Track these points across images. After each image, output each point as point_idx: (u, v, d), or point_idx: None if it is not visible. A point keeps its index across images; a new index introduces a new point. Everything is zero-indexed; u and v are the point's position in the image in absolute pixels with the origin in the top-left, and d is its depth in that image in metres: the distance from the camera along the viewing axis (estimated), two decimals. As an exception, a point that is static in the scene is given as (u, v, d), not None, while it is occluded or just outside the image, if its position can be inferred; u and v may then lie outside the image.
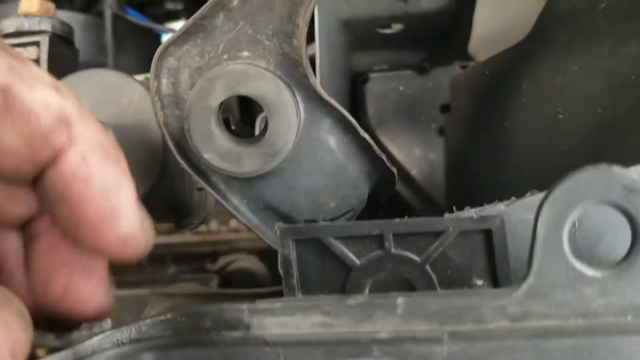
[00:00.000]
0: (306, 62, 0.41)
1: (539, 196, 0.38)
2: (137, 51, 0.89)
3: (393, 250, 0.38)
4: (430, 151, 0.79)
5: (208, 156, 0.42)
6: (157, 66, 0.42)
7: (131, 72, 0.90)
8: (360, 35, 0.72)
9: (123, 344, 0.34)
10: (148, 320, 0.34)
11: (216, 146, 0.41)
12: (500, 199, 0.57)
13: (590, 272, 0.29)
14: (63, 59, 0.53)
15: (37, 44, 0.51)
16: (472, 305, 0.31)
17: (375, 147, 0.45)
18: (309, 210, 0.46)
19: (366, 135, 0.44)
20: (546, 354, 0.30)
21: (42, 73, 0.29)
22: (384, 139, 0.82)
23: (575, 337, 0.29)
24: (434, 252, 0.38)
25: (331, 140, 0.44)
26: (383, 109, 0.81)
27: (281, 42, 0.41)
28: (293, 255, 0.39)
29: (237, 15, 0.41)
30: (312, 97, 0.42)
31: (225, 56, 0.42)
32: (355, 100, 0.84)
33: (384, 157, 0.46)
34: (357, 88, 0.83)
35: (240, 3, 0.40)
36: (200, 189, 0.59)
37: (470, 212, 0.39)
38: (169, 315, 0.34)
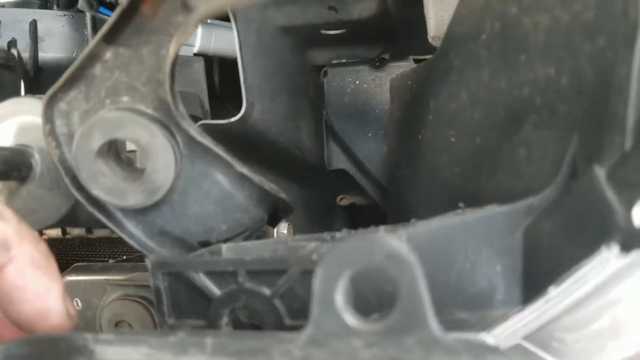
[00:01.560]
0: (179, 108, 0.45)
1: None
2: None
3: (246, 285, 0.42)
4: (384, 144, 0.81)
5: (96, 192, 0.46)
6: (48, 110, 0.46)
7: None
8: (306, 36, 0.74)
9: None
10: (17, 342, 0.40)
11: (101, 184, 0.46)
12: (415, 211, 0.60)
13: (358, 326, 0.33)
14: (3, 84, 0.59)
15: (-24, 71, 0.57)
16: (264, 347, 0.34)
17: (256, 179, 0.48)
18: (200, 233, 0.50)
19: (244, 170, 0.47)
20: None
21: None
22: (341, 131, 0.84)
23: None
24: (281, 287, 0.42)
25: (214, 173, 0.48)
26: (341, 101, 0.84)
27: (156, 88, 0.45)
28: (163, 285, 0.44)
29: (112, 66, 0.44)
30: (191, 137, 0.46)
31: (107, 100, 0.46)
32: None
33: (267, 187, 0.49)
34: (318, 80, 0.85)
35: (113, 56, 0.44)
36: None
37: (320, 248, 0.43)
38: (35, 340, 0.39)
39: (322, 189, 0.92)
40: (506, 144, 0.45)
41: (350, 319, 0.33)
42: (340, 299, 0.33)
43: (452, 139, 0.52)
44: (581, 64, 0.37)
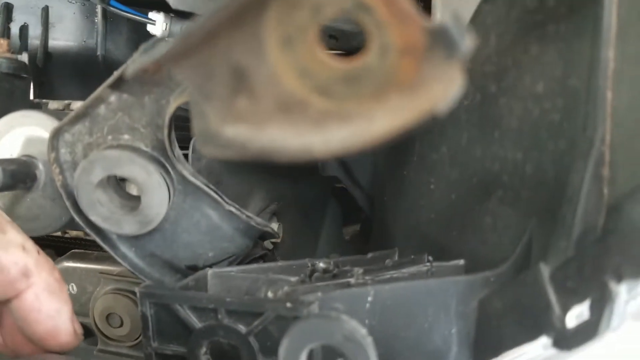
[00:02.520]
0: (176, 150, 0.48)
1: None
2: (127, 37, 0.96)
3: (225, 321, 0.46)
4: (373, 160, 0.84)
5: (94, 218, 0.50)
6: (54, 140, 0.50)
7: (120, 56, 0.97)
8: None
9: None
10: None
11: (99, 212, 0.50)
12: (393, 237, 0.64)
13: None
14: (13, 92, 0.62)
15: (-12, 80, 0.60)
16: None
17: (243, 216, 0.52)
18: (189, 259, 0.54)
19: (232, 208, 0.51)
20: None
21: (15, 237, 0.44)
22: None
23: None
24: (256, 327, 0.46)
25: (204, 207, 0.52)
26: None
27: (154, 131, 0.48)
28: (150, 312, 0.48)
29: (116, 108, 0.48)
30: (184, 177, 0.50)
31: (109, 137, 0.49)
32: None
33: (253, 222, 0.53)
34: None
35: (117, 100, 0.47)
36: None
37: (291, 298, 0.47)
38: None
39: (315, 190, 0.96)
40: (476, 209, 0.48)
41: None
42: None
43: (432, 186, 0.55)
44: (544, 160, 0.40)
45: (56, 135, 0.49)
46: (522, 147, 0.43)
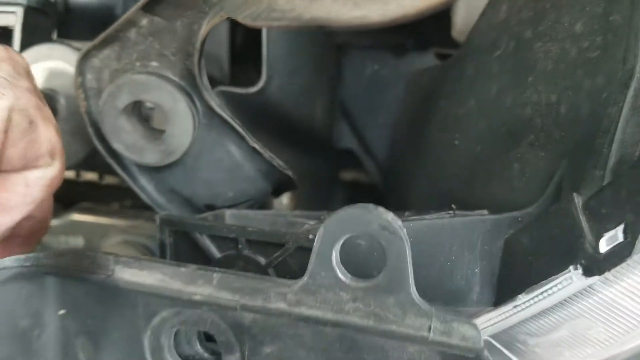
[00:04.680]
0: (204, 79, 0.48)
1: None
2: None
3: (244, 252, 0.46)
4: (392, 132, 0.84)
5: (116, 146, 0.50)
6: (81, 65, 0.49)
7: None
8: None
9: (27, 266, 0.43)
10: (47, 253, 0.44)
11: (123, 139, 0.49)
12: (409, 203, 0.63)
13: (348, 282, 0.37)
14: (36, 28, 0.61)
15: (14, 13, 0.59)
16: (263, 288, 0.39)
17: (266, 154, 0.52)
18: (207, 197, 0.54)
19: (256, 145, 0.51)
20: (307, 336, 0.38)
21: (52, 115, 0.42)
22: (354, 112, 0.87)
23: (329, 326, 0.37)
24: (276, 259, 0.45)
25: (228, 143, 0.51)
26: (358, 83, 0.86)
27: (184, 59, 0.48)
28: (169, 240, 0.48)
29: (147, 32, 0.47)
30: (210, 108, 0.49)
31: (137, 63, 0.48)
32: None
33: (275, 163, 0.52)
34: (337, 59, 0.87)
35: (148, 24, 0.47)
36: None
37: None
38: (63, 252, 0.43)
39: (327, 164, 0.95)
40: (503, 157, 0.48)
41: (342, 275, 0.37)
42: (335, 256, 0.37)
43: (456, 142, 0.55)
44: (580, 98, 0.40)
45: (84, 59, 0.49)
46: (557, 88, 0.42)
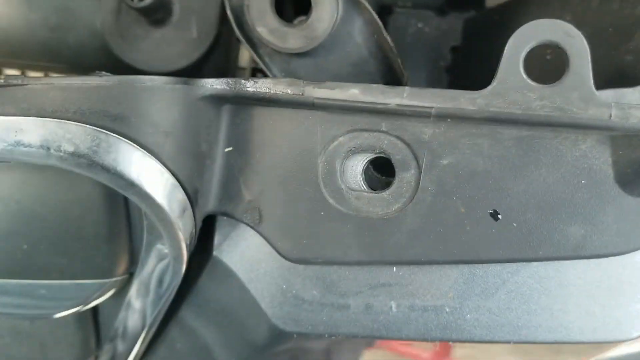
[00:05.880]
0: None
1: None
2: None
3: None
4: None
5: (260, 30, 0.51)
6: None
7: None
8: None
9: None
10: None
11: (268, 22, 0.51)
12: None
13: (534, 84, 0.41)
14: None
15: None
16: (453, 95, 0.42)
17: (393, 49, 0.55)
18: (331, 92, 0.56)
19: (388, 38, 0.54)
20: (485, 144, 0.42)
21: None
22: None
23: (518, 125, 0.41)
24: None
25: (359, 37, 0.54)
26: (401, 41, 0.91)
27: (333, -51, 0.51)
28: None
29: None
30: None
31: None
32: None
33: (399, 60, 0.56)
34: (382, 19, 0.92)
35: None
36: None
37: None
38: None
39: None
40: (613, 54, 0.53)
41: (526, 76, 0.41)
42: (523, 62, 0.41)
43: (547, 57, 0.60)
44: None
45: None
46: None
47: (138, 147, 0.42)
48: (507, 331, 0.46)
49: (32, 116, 0.41)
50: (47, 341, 0.70)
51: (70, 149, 0.41)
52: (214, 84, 0.45)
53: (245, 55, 0.69)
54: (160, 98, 0.43)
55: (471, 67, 0.78)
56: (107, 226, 0.52)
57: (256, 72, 0.73)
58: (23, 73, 0.71)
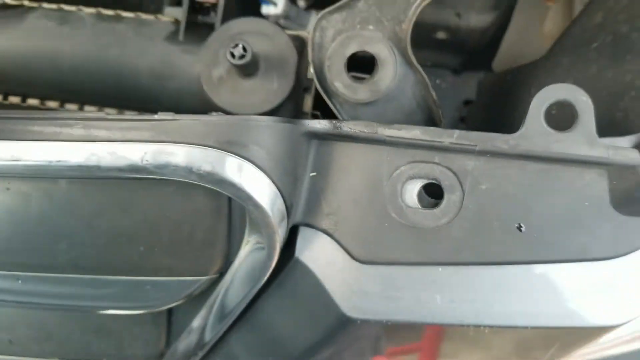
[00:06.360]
0: (408, 40, 0.67)
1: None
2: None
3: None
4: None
5: (337, 84, 0.67)
6: (317, 25, 0.67)
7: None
8: (416, 33, 0.98)
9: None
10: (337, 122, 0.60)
11: (343, 79, 0.67)
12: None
13: (552, 130, 0.56)
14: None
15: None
16: (490, 137, 0.57)
17: (436, 102, 0.70)
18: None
19: (433, 93, 0.70)
20: (513, 174, 0.57)
21: None
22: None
23: (539, 161, 0.57)
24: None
25: (410, 92, 0.70)
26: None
27: (394, 25, 0.67)
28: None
29: (372, 3, 0.66)
30: (406, 63, 0.68)
31: (358, 26, 0.67)
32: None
33: (440, 111, 0.71)
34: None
35: (375, -5, 0.66)
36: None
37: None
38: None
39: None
40: (607, 112, 0.70)
41: (549, 126, 0.56)
42: (544, 114, 0.56)
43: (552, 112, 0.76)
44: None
45: (319, 20, 0.67)
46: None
47: (257, 168, 0.57)
48: (526, 318, 0.60)
49: (181, 144, 0.56)
50: (125, 338, 0.82)
51: (208, 168, 0.55)
52: (314, 124, 0.60)
53: (307, 103, 0.85)
54: (273, 132, 0.58)
55: (485, 116, 0.95)
56: (213, 231, 0.66)
57: (314, 117, 0.88)
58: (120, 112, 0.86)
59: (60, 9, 0.79)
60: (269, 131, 0.58)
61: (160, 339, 0.81)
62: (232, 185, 0.56)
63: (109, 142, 0.56)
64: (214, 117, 0.58)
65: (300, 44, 0.80)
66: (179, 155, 0.56)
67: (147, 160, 0.55)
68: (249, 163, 0.57)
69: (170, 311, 0.79)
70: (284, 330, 0.70)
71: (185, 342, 0.78)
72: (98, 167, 0.55)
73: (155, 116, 0.57)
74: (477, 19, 0.92)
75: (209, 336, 0.76)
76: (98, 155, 0.55)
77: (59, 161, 0.55)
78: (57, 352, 0.84)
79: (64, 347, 0.83)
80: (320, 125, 0.61)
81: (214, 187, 0.56)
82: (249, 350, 0.76)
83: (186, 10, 0.75)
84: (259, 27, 0.76)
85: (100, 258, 0.69)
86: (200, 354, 0.78)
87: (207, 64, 0.75)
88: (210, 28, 0.78)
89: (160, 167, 0.55)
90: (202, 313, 0.75)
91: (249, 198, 0.57)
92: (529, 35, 1.01)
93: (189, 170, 0.55)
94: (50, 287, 0.72)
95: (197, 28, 0.78)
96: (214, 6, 0.77)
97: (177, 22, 0.79)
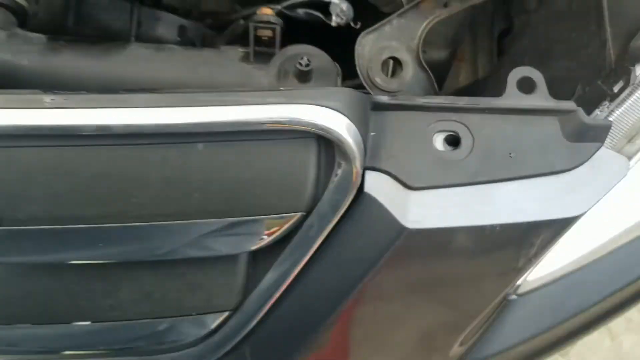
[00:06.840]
0: (419, 50, 1.02)
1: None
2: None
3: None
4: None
5: (377, 79, 1.00)
6: (359, 42, 1.01)
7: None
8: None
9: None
10: None
11: (380, 76, 1.00)
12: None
13: (525, 95, 0.92)
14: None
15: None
16: (489, 100, 0.92)
17: (436, 89, 1.05)
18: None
19: (435, 84, 1.04)
20: (510, 119, 0.91)
21: None
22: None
23: (522, 113, 0.91)
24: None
25: (422, 84, 1.04)
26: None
27: (409, 41, 1.02)
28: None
29: (396, 26, 1.01)
30: (418, 65, 1.03)
31: (385, 42, 1.01)
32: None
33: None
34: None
35: (398, 23, 1.01)
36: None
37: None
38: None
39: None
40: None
41: (520, 91, 0.92)
42: (516, 84, 0.92)
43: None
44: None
45: (360, 39, 1.01)
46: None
47: (350, 120, 0.87)
48: (521, 214, 0.93)
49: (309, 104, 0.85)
50: (212, 289, 1.02)
51: (322, 121, 0.85)
52: (380, 97, 0.92)
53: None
54: (360, 99, 0.89)
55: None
56: (304, 176, 0.93)
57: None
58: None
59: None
60: (356, 98, 0.89)
61: (242, 287, 1.02)
62: (331, 133, 0.85)
63: (254, 105, 0.84)
64: (324, 88, 0.88)
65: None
66: (306, 114, 0.85)
67: (285, 116, 0.83)
68: (344, 116, 0.87)
69: (252, 256, 1.01)
70: (354, 254, 0.97)
71: (264, 286, 1.02)
72: (253, 122, 0.82)
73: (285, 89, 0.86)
74: (437, 54, 1.30)
75: (285, 278, 1.00)
76: (251, 113, 0.83)
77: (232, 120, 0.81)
78: (154, 311, 1.01)
79: (160, 306, 1.01)
80: (384, 98, 0.93)
81: (322, 133, 0.85)
82: (320, 287, 1.01)
83: (252, 41, 1.06)
84: (307, 50, 1.08)
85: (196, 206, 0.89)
86: (277, 294, 1.01)
87: (274, 76, 1.05)
88: (266, 55, 1.08)
89: (294, 122, 0.84)
90: (282, 255, 1.00)
91: (344, 142, 0.86)
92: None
93: (313, 124, 0.84)
94: (149, 239, 0.92)
95: (258, 54, 1.08)
96: (271, 39, 1.08)
97: (242, 51, 1.09)
